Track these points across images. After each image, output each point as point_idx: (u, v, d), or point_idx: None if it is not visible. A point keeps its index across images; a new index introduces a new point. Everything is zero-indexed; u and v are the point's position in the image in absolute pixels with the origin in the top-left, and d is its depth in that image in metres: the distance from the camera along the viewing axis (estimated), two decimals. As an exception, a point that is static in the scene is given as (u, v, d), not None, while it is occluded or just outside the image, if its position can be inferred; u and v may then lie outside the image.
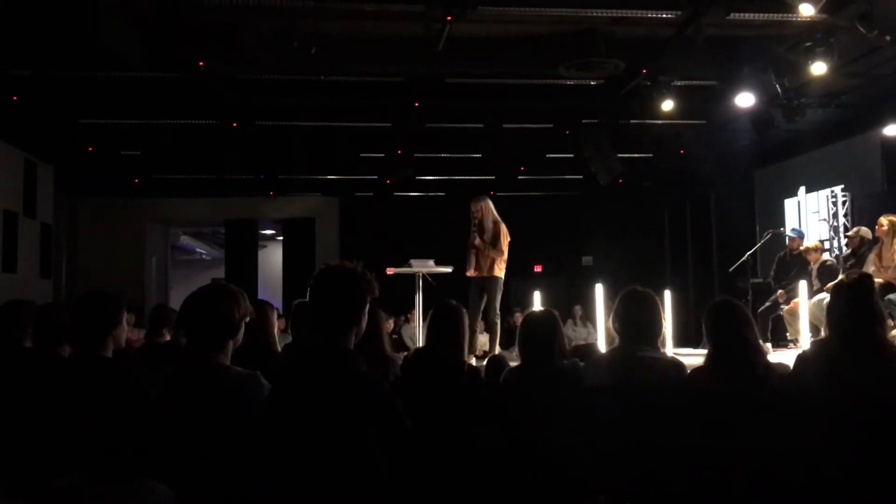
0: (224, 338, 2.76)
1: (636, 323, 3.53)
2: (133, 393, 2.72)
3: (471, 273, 7.42)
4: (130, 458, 2.14)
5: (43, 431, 2.64)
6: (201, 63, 7.99)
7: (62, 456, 2.42)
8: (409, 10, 7.28)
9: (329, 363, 2.53)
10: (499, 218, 7.43)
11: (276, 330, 4.53)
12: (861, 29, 6.96)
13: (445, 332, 3.65)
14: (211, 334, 2.75)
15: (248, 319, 2.83)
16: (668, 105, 8.92)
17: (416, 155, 11.78)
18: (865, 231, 8.09)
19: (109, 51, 7.15)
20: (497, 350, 7.30)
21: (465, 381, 3.56)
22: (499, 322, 7.44)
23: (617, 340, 3.63)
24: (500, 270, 7.32)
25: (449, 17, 7.17)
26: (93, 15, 6.77)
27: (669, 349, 7.41)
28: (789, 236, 9.00)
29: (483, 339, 7.59)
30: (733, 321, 3.34)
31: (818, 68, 7.67)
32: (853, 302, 3.26)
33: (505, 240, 7.32)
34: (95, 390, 2.82)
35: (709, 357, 3.41)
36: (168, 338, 5.18)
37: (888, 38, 7.01)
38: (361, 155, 11.73)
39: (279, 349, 4.36)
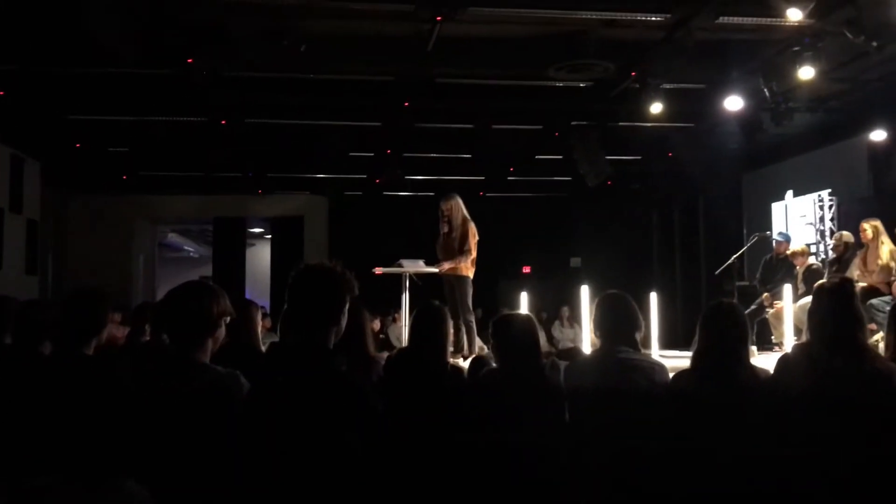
0: (203, 335, 2.73)
1: (612, 325, 3.57)
2: (112, 391, 2.70)
3: (442, 271, 7.38)
4: (107, 458, 2.12)
5: (20, 429, 2.62)
6: (190, 60, 7.96)
7: (39, 454, 2.40)
8: (398, 9, 7.26)
9: (307, 362, 2.52)
10: (468, 217, 7.40)
11: (260, 329, 4.51)
12: (848, 34, 7.01)
13: (428, 333, 3.65)
14: (189, 331, 2.73)
15: (227, 318, 2.81)
16: (657, 108, 8.95)
17: (405, 154, 11.79)
18: (848, 236, 8.11)
19: (98, 47, 7.13)
20: (478, 347, 7.28)
21: (447, 381, 3.55)
22: (473, 320, 7.40)
23: (598, 343, 3.65)
24: (468, 270, 7.27)
25: (439, 18, 7.18)
26: (82, 10, 6.75)
27: (655, 351, 7.43)
28: (776, 240, 9.01)
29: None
30: (726, 323, 3.34)
31: (806, 73, 7.71)
32: (834, 306, 3.27)
33: (473, 239, 7.28)
34: (75, 388, 2.80)
35: (694, 358, 3.42)
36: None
37: (875, 43, 7.05)
38: (351, 154, 11.71)
39: (262, 349, 4.34)
